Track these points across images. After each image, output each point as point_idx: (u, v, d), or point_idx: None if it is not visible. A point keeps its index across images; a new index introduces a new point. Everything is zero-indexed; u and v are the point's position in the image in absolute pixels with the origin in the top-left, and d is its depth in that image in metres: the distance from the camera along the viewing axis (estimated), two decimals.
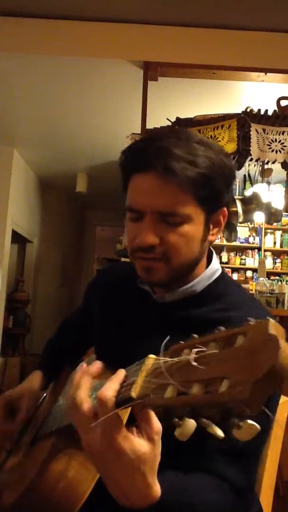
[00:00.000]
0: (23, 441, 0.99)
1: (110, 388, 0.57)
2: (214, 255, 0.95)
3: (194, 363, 0.48)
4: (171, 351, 0.54)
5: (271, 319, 0.44)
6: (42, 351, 1.24)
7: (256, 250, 5.55)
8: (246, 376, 0.41)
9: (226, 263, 5.36)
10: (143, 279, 0.89)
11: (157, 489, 0.58)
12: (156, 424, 0.57)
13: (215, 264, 0.93)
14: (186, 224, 0.81)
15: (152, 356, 0.58)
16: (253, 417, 0.42)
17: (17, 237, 5.45)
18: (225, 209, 0.88)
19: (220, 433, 0.47)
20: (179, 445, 0.59)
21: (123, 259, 3.81)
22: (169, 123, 2.65)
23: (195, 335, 0.53)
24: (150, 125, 2.81)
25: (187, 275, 0.88)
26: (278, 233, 5.57)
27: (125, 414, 0.60)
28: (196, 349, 0.49)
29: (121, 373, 0.60)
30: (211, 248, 0.95)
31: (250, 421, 0.42)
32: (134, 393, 0.54)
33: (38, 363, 1.18)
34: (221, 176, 0.82)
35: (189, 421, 0.48)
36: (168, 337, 0.56)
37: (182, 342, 0.54)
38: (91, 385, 0.63)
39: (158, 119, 2.72)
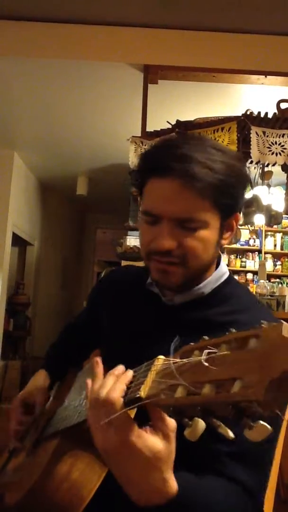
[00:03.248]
0: (26, 441, 0.99)
1: (117, 388, 0.58)
2: (222, 258, 0.96)
3: (206, 364, 0.48)
4: (181, 352, 0.55)
5: (284, 323, 0.44)
6: (45, 354, 1.24)
7: (256, 252, 5.55)
8: (259, 377, 0.41)
9: (227, 265, 5.34)
10: (158, 282, 0.89)
11: (173, 484, 0.59)
12: (171, 421, 0.59)
13: (223, 267, 0.94)
14: (202, 229, 0.82)
15: (161, 357, 0.58)
16: (264, 420, 0.42)
17: (17, 240, 5.45)
18: (237, 214, 0.89)
19: (230, 433, 0.48)
20: (191, 447, 0.60)
21: (123, 262, 3.81)
22: (169, 126, 2.65)
23: (206, 337, 0.53)
24: (150, 128, 2.81)
25: (199, 278, 0.89)
26: (279, 235, 5.57)
27: (131, 413, 0.61)
28: (207, 350, 0.49)
29: (129, 373, 0.62)
30: (219, 252, 0.95)
31: (262, 422, 0.42)
32: (143, 393, 0.55)
33: (42, 364, 1.18)
34: (237, 182, 0.83)
35: (199, 421, 0.48)
36: (177, 338, 0.57)
37: (192, 344, 0.54)
38: None
39: (158, 122, 2.72)
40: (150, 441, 0.57)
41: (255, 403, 0.41)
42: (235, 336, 0.49)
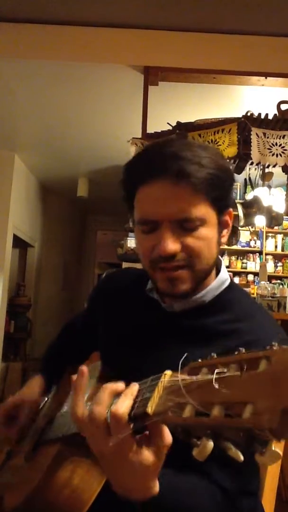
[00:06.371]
0: (24, 444, 0.99)
1: (124, 405, 0.56)
2: (223, 264, 0.95)
3: (216, 386, 0.46)
4: (189, 369, 0.53)
5: None
6: (42, 355, 1.24)
7: (257, 254, 5.54)
8: (272, 403, 0.40)
9: (228, 267, 5.35)
10: (166, 292, 0.86)
11: (156, 488, 0.60)
12: (168, 438, 0.58)
13: (224, 274, 0.92)
14: (202, 227, 0.81)
15: (169, 372, 0.57)
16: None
17: (18, 242, 5.45)
18: (231, 210, 0.89)
19: (241, 457, 0.47)
20: (177, 447, 0.59)
21: (124, 263, 3.81)
22: (170, 128, 2.66)
23: (214, 355, 0.52)
24: (150, 130, 2.82)
25: (203, 282, 0.87)
26: (279, 236, 5.57)
27: None
28: (217, 370, 0.48)
29: (135, 387, 0.59)
30: (219, 257, 0.94)
31: (273, 448, 0.42)
32: (150, 410, 0.53)
33: (39, 367, 1.17)
34: (225, 175, 0.83)
35: (208, 442, 0.47)
36: (186, 354, 0.55)
37: (201, 360, 0.53)
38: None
39: (159, 123, 2.73)
40: (143, 456, 0.57)
41: (267, 430, 0.40)
42: (245, 356, 0.47)
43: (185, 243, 0.80)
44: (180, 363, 0.54)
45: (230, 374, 0.47)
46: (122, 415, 0.55)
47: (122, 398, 0.58)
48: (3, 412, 1.03)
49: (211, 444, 0.47)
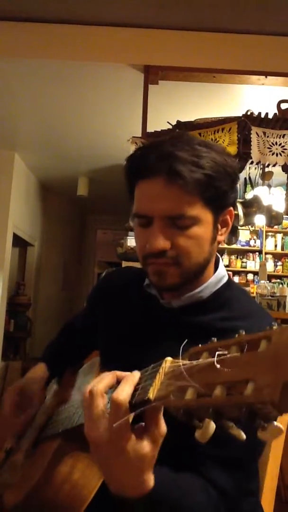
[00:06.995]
0: (23, 442, 0.99)
1: (124, 391, 0.57)
2: (221, 261, 0.95)
3: (218, 366, 0.47)
4: (189, 354, 0.54)
5: None
6: (42, 353, 1.24)
7: (257, 253, 5.55)
8: (273, 378, 0.41)
9: (227, 266, 5.35)
10: (156, 284, 0.88)
11: (150, 483, 0.59)
12: (163, 427, 0.58)
13: (222, 270, 0.93)
14: (195, 226, 0.81)
15: (169, 358, 0.58)
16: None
17: (18, 241, 5.45)
18: (231, 208, 0.88)
19: (243, 435, 0.47)
20: (175, 446, 0.59)
21: (124, 262, 3.81)
22: (170, 127, 2.65)
23: (214, 339, 0.52)
24: (150, 129, 2.81)
25: (198, 277, 0.88)
26: (279, 236, 5.57)
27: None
28: (218, 352, 0.49)
29: (136, 374, 0.60)
30: (217, 254, 0.95)
31: (275, 423, 0.42)
32: (151, 395, 0.54)
33: (41, 359, 1.17)
34: (225, 175, 0.82)
35: (210, 423, 0.48)
36: (186, 341, 0.56)
37: (201, 345, 0.53)
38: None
39: (159, 122, 2.72)
40: (138, 444, 0.57)
41: (269, 404, 0.40)
42: (246, 338, 0.48)
43: (176, 241, 0.81)
44: (181, 348, 0.55)
45: (231, 355, 0.48)
46: (122, 401, 0.55)
47: (122, 384, 0.58)
48: (15, 393, 1.02)
49: (213, 425, 0.48)
